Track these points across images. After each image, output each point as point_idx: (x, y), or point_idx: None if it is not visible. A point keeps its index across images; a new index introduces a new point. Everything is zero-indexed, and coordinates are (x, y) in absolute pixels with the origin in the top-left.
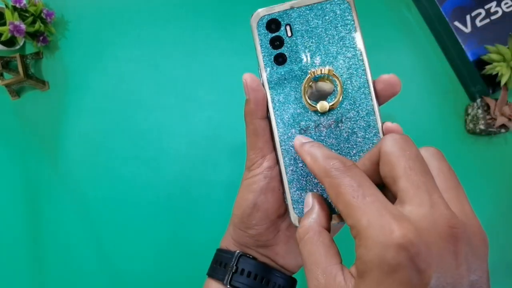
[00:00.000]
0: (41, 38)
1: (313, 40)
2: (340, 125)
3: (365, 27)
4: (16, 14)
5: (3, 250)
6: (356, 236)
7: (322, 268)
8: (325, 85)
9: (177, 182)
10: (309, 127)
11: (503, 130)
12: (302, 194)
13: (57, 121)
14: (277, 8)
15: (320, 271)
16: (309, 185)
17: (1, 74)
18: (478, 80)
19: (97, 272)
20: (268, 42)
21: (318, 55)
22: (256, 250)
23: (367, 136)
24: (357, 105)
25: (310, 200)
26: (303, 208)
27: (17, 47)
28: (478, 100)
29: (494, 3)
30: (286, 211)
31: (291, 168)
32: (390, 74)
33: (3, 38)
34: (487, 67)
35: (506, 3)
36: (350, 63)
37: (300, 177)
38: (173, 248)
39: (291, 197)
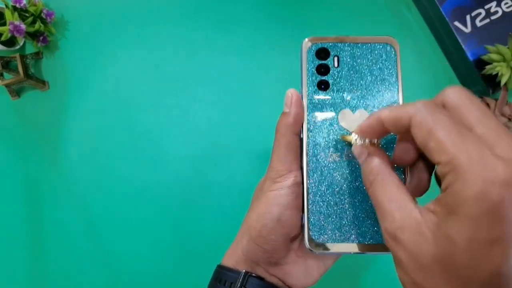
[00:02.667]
0: (41, 38)
1: (357, 75)
2: None
3: (365, 27)
4: (16, 14)
5: (3, 250)
6: (451, 172)
7: (396, 205)
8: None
9: (177, 182)
10: (339, 154)
11: None
12: (321, 219)
13: (57, 121)
14: (330, 39)
15: (395, 208)
16: (330, 210)
17: (1, 74)
18: (478, 80)
19: (97, 272)
20: (315, 68)
21: (359, 90)
22: (266, 269)
23: None
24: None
25: (359, 150)
26: (319, 232)
27: (17, 47)
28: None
29: (494, 3)
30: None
31: (315, 190)
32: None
33: (3, 38)
34: (487, 67)
35: (506, 3)
36: (388, 103)
37: (323, 200)
38: (173, 248)
39: (310, 219)
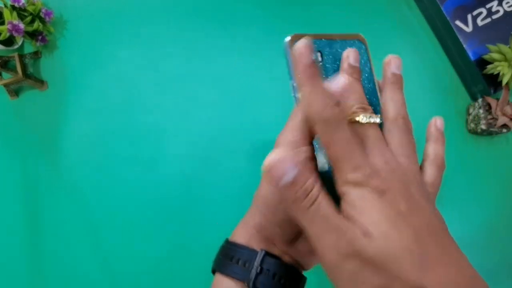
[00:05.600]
0: (39, 37)
1: (338, 69)
2: None
3: (366, 27)
4: (14, 13)
5: (2, 250)
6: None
7: (337, 225)
8: None
9: (177, 182)
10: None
11: (504, 130)
12: None
13: (56, 120)
14: (311, 35)
15: (336, 229)
16: None
17: None
18: (479, 79)
19: (96, 271)
20: None
21: None
22: (281, 248)
23: None
24: None
25: (284, 160)
26: None
27: (16, 46)
28: (480, 100)
29: (495, 3)
30: None
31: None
32: None
33: (1, 38)
34: (489, 66)
35: (507, 2)
36: (369, 93)
37: None
38: (173, 247)
39: None
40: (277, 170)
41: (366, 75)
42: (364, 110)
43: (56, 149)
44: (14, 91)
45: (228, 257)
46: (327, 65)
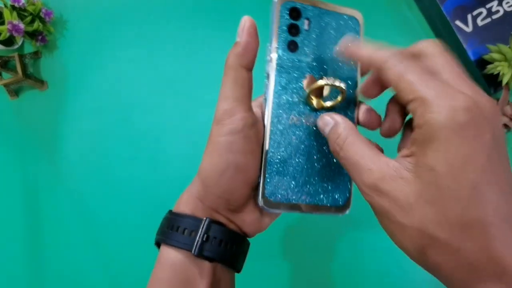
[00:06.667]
0: (39, 37)
1: (323, 42)
2: None
3: (366, 27)
4: (14, 13)
5: (2, 250)
6: (420, 106)
7: (371, 159)
8: (326, 88)
9: (177, 182)
10: (300, 117)
11: (504, 130)
12: (277, 179)
13: (56, 120)
14: (302, 0)
15: (370, 162)
16: (289, 170)
17: None
18: (479, 79)
19: (96, 272)
20: (287, 26)
21: (324, 58)
22: (226, 216)
23: None
24: (344, 114)
25: (327, 117)
26: (273, 191)
27: (16, 46)
28: None
29: (495, 3)
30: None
31: (273, 151)
32: (373, 111)
33: (1, 38)
34: (489, 66)
35: (507, 3)
36: (348, 75)
37: (280, 161)
38: None
39: (265, 178)
40: (323, 122)
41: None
42: None
43: (56, 149)
44: (14, 91)
45: (173, 228)
46: (311, 36)
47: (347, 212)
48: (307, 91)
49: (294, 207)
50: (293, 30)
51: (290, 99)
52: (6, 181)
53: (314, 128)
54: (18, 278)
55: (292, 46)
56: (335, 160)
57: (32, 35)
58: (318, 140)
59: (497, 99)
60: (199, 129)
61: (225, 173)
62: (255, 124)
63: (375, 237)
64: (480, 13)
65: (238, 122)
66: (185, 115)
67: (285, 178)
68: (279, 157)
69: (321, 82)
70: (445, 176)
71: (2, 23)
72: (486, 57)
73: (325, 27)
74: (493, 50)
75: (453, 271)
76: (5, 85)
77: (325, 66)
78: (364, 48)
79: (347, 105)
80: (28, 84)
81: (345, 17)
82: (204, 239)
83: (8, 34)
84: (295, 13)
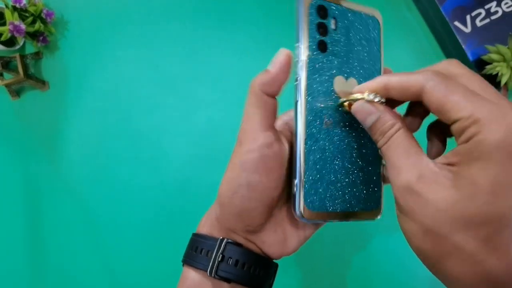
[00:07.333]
0: (41, 38)
1: (349, 42)
2: (355, 126)
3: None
4: (16, 14)
5: (2, 250)
6: (473, 124)
7: (413, 159)
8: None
9: (177, 182)
10: (334, 120)
11: None
12: (314, 187)
13: (57, 121)
14: None
15: (411, 162)
16: (324, 178)
17: (1, 74)
18: None
19: (97, 272)
20: (316, 25)
21: (351, 58)
22: (244, 236)
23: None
24: None
25: (370, 107)
26: (312, 200)
27: (17, 47)
28: None
29: (494, 3)
30: (280, 196)
31: (309, 157)
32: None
33: (3, 38)
34: (487, 67)
35: (506, 3)
36: (373, 76)
37: (317, 168)
38: (173, 248)
39: (304, 187)
40: (363, 111)
41: (376, 59)
42: None
43: (57, 149)
44: (16, 91)
45: (193, 249)
46: (339, 36)
47: (379, 216)
48: (343, 99)
49: (330, 216)
50: (322, 29)
51: (323, 103)
52: (7, 181)
53: (349, 131)
54: (19, 277)
55: (322, 46)
56: (366, 164)
57: (33, 35)
58: (351, 144)
59: None
60: (199, 129)
61: (237, 192)
62: (275, 142)
63: (383, 241)
64: (479, 13)
65: (255, 141)
66: (186, 115)
67: (321, 185)
68: (315, 163)
69: (359, 96)
70: (487, 193)
71: (4, 24)
72: (485, 57)
73: (350, 27)
74: (492, 50)
75: (472, 282)
76: (7, 86)
77: (352, 67)
78: (393, 78)
79: None
80: (29, 85)
81: (366, 16)
82: (219, 259)
83: (9, 35)
84: (322, 11)
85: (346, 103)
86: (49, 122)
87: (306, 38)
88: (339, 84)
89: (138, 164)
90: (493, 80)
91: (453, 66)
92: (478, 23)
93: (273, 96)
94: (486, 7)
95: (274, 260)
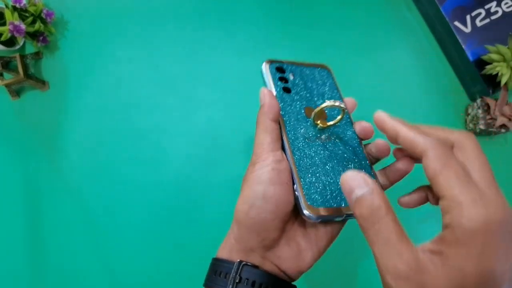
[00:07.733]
0: (41, 38)
1: (308, 85)
2: (333, 139)
3: (366, 27)
4: (16, 14)
5: (2, 250)
6: (455, 208)
7: (402, 245)
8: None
9: (177, 182)
10: (312, 136)
11: (503, 130)
12: (312, 187)
13: (57, 121)
14: (284, 61)
15: (396, 252)
16: (323, 177)
17: (1, 74)
18: (478, 80)
19: (97, 271)
20: (277, 78)
21: (314, 91)
22: (261, 255)
23: (351, 147)
24: (343, 130)
25: (359, 177)
26: (312, 198)
27: (17, 47)
28: (478, 100)
29: (494, 3)
30: (292, 209)
31: (300, 163)
32: (366, 124)
33: (3, 38)
34: (487, 67)
35: (506, 3)
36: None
37: (309, 172)
38: (173, 248)
39: (302, 188)
40: (352, 182)
41: (332, 89)
42: None
43: (57, 149)
44: (16, 91)
45: (213, 272)
46: (298, 82)
47: None
48: (312, 115)
49: (335, 211)
50: (283, 80)
51: (300, 124)
52: (7, 181)
53: (328, 142)
54: (19, 277)
55: (286, 89)
56: (354, 163)
57: (33, 35)
58: (335, 150)
59: (496, 99)
60: (199, 129)
61: (254, 205)
62: (284, 160)
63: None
64: (479, 13)
65: (266, 158)
66: (186, 115)
67: (319, 186)
68: (306, 168)
69: (323, 105)
70: (475, 282)
71: (4, 24)
72: (485, 57)
73: (305, 75)
74: (492, 50)
75: None
76: (7, 86)
77: (317, 99)
78: (404, 131)
79: (345, 124)
80: (30, 85)
81: (318, 69)
82: (237, 280)
83: (9, 35)
84: (281, 70)
85: (318, 123)
86: (49, 122)
87: (272, 87)
88: (309, 110)
89: (138, 164)
90: (493, 80)
91: (464, 138)
92: (478, 23)
93: (274, 120)
94: (486, 7)
95: (292, 283)
